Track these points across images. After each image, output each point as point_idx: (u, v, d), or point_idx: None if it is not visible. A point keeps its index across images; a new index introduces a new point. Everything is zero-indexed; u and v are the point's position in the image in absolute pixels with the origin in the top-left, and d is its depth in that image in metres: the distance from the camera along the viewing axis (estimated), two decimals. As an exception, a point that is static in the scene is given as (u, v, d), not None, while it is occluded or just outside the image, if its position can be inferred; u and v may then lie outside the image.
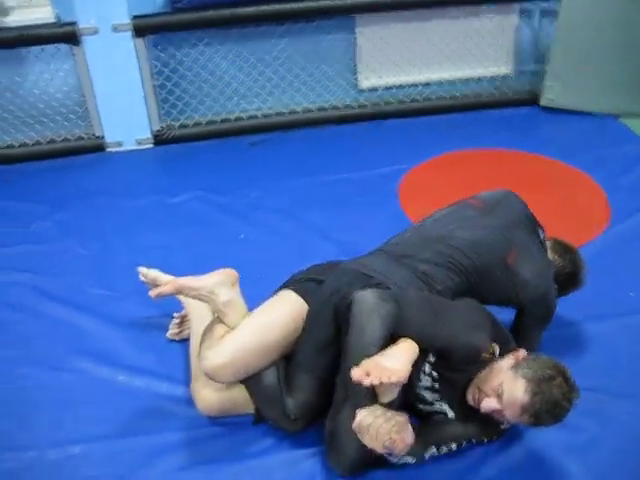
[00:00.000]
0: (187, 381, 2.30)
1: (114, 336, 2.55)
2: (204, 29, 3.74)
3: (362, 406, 1.76)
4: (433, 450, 1.97)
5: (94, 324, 2.61)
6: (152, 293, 2.17)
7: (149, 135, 3.92)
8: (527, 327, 2.25)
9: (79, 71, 3.69)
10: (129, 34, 3.60)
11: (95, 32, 3.56)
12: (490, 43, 4.20)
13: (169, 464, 2.04)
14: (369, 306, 1.86)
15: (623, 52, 3.97)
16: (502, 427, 2.05)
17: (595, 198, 3.33)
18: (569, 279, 2.35)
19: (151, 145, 3.95)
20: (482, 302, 2.13)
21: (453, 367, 1.95)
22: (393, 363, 1.75)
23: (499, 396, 1.84)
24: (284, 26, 3.85)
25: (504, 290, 2.18)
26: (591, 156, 3.71)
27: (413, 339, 1.88)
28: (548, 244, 2.36)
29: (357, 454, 1.90)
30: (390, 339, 1.87)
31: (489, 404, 1.86)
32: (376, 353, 1.80)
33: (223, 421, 2.16)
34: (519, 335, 2.19)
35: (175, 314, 2.53)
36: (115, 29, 3.57)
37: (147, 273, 2.46)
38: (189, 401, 2.23)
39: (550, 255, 2.34)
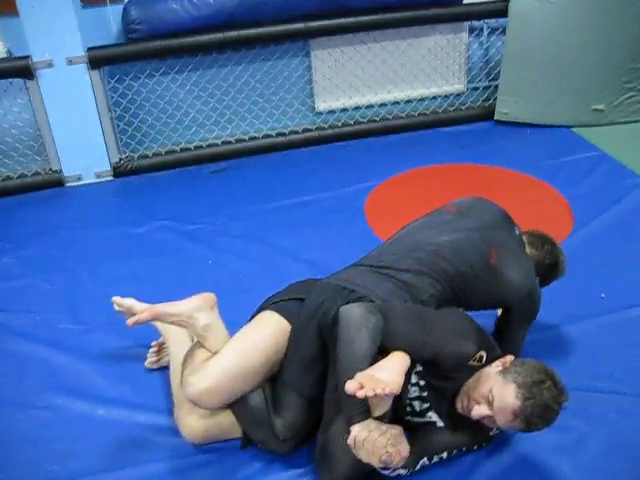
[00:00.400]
0: (168, 410, 2.26)
1: (87, 370, 2.49)
2: (160, 59, 3.73)
3: (356, 421, 1.73)
4: (425, 460, 1.96)
5: (65, 359, 2.54)
6: (129, 321, 2.12)
7: (108, 167, 3.88)
8: (513, 325, 2.26)
9: (34, 105, 3.64)
10: (84, 66, 3.57)
11: (49, 65, 3.52)
12: (442, 62, 4.30)
13: (157, 495, 1.99)
14: (356, 320, 1.84)
15: (571, 64, 4.08)
16: (491, 434, 2.05)
17: (557, 205, 3.40)
18: (550, 270, 2.36)
19: (111, 177, 3.90)
20: (466, 308, 2.15)
21: (441, 375, 1.95)
22: (386, 375, 1.74)
23: (489, 402, 1.84)
24: (240, 53, 3.87)
25: (489, 292, 2.19)
26: (549, 166, 3.80)
27: (401, 350, 1.88)
28: (525, 238, 2.38)
29: (350, 470, 1.88)
30: (378, 352, 1.86)
31: (480, 411, 1.86)
32: (366, 366, 1.78)
33: (209, 448, 2.11)
34: (504, 334, 2.22)
35: (153, 342, 2.48)
36: (70, 62, 3.54)
37: (122, 302, 2.40)
38: (172, 430, 2.18)
39: (528, 249, 2.35)
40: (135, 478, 2.04)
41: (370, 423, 1.74)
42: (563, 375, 1.88)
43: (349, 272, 2.19)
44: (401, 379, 1.77)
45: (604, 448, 2.07)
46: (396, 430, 1.75)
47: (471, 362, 1.94)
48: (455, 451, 2.01)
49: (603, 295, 2.73)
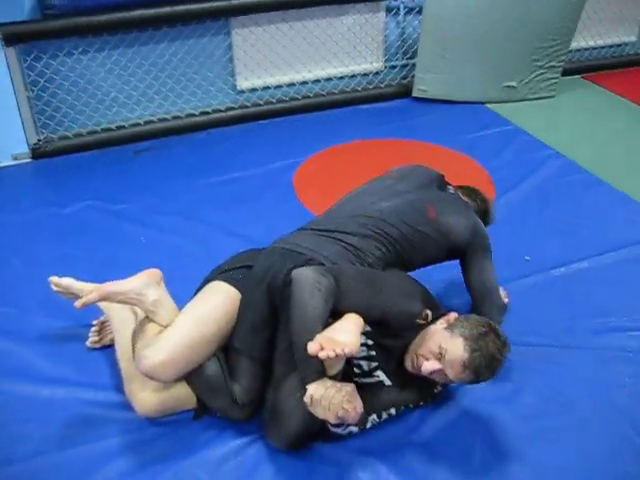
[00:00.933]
0: (115, 386, 2.25)
1: (27, 352, 2.43)
2: (79, 36, 3.63)
3: (311, 379, 1.79)
4: (374, 417, 2.04)
5: (2, 343, 2.46)
6: (78, 304, 2.10)
7: (26, 149, 3.75)
8: (476, 263, 2.35)
9: (-55, 86, 3.49)
10: (-2, 43, 3.45)
11: (-40, 41, 3.38)
12: (361, 40, 4.37)
13: (113, 470, 1.98)
14: (309, 283, 1.89)
15: (485, 43, 4.24)
16: (436, 391, 2.16)
17: (478, 176, 3.55)
18: (483, 217, 2.51)
19: (29, 160, 3.78)
20: (412, 268, 2.24)
21: (389, 335, 2.02)
22: (344, 336, 1.80)
23: (439, 357, 1.93)
24: (161, 30, 3.82)
25: (436, 246, 2.28)
26: (467, 139, 3.96)
27: (351, 311, 1.94)
28: (459, 192, 2.57)
29: (299, 428, 1.94)
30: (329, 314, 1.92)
31: (430, 366, 1.94)
32: (320, 328, 1.84)
33: (162, 421, 2.12)
34: (475, 275, 2.33)
35: (94, 321, 2.45)
36: (-18, 39, 3.41)
37: (59, 282, 2.36)
38: (122, 405, 2.17)
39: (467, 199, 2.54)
40: (90, 455, 2.03)
41: (326, 381, 1.79)
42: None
43: (295, 236, 2.23)
44: (358, 340, 1.83)
45: (538, 396, 2.23)
46: (350, 387, 1.82)
47: (418, 320, 2.02)
48: (402, 408, 2.10)
49: (527, 258, 2.89)
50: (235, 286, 2.13)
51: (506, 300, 2.48)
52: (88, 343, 2.43)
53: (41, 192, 3.53)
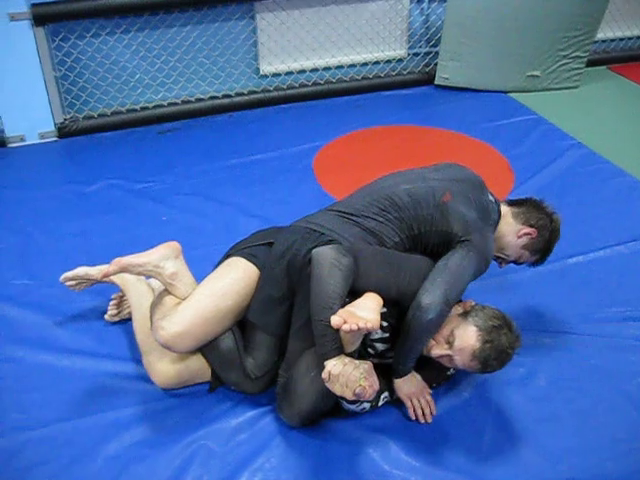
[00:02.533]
0: (133, 358, 2.31)
1: (47, 323, 2.49)
2: (106, 17, 3.68)
3: (330, 356, 1.81)
4: (386, 394, 2.08)
5: (24, 313, 2.53)
6: (98, 276, 2.15)
7: (53, 128, 3.81)
8: (454, 254, 2.08)
9: (-26, 63, 3.55)
10: (28, 23, 3.49)
11: (-9, 21, 3.44)
12: (385, 27, 4.37)
13: (128, 439, 2.04)
14: (329, 261, 1.91)
15: (509, 31, 4.22)
16: (448, 373, 2.18)
17: (498, 164, 3.55)
18: (549, 240, 2.32)
19: (55, 138, 3.84)
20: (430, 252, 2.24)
21: (404, 315, 2.03)
22: (365, 313, 1.83)
23: (449, 343, 1.95)
24: (186, 13, 3.85)
25: (441, 231, 2.13)
26: (488, 128, 3.96)
27: (370, 290, 1.97)
28: (509, 209, 2.31)
29: (312, 406, 1.98)
30: (349, 292, 1.95)
31: (439, 350, 1.97)
32: (339, 305, 1.86)
33: (177, 392, 2.18)
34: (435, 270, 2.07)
35: (113, 295, 2.50)
36: (12, 18, 3.45)
37: (74, 273, 2.40)
38: (139, 377, 2.23)
39: (512, 220, 2.28)
40: (107, 423, 2.09)
41: (344, 358, 1.82)
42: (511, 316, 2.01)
43: (318, 217, 2.24)
44: (379, 316, 1.85)
45: (551, 380, 2.25)
46: (367, 365, 1.84)
47: None
48: (415, 387, 2.13)
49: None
50: (254, 262, 2.16)
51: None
52: (107, 317, 2.48)
53: (65, 170, 3.58)
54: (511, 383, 2.23)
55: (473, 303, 2.05)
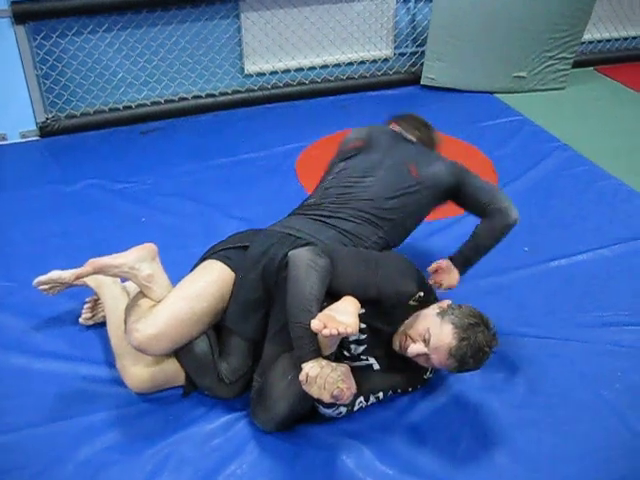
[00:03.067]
0: (107, 362, 2.28)
1: (22, 326, 2.46)
2: (88, 15, 3.64)
3: (308, 359, 1.79)
4: (361, 400, 2.05)
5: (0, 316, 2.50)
6: (71, 277, 2.12)
7: (34, 127, 3.77)
8: (472, 187, 2.40)
9: (-45, 61, 3.51)
10: (8, 20, 3.45)
11: (-29, 19, 3.40)
12: (370, 27, 4.35)
13: (102, 443, 2.01)
14: (305, 263, 1.90)
15: (496, 32, 4.21)
16: (425, 377, 2.16)
17: (482, 165, 3.53)
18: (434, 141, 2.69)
19: (37, 137, 3.80)
20: (414, 228, 2.37)
21: (381, 316, 2.02)
22: (344, 317, 1.81)
23: (426, 341, 1.93)
24: (170, 12, 3.82)
25: (431, 199, 2.36)
26: (473, 129, 3.94)
27: (348, 291, 1.95)
28: (412, 136, 2.62)
29: (288, 411, 1.96)
30: (326, 294, 1.93)
31: (416, 348, 1.95)
32: (317, 307, 1.85)
33: (152, 397, 2.15)
34: (480, 194, 2.38)
35: (87, 299, 2.47)
36: (-7, 16, 3.42)
37: (48, 277, 2.35)
38: (113, 381, 2.21)
39: (412, 135, 2.61)
40: (80, 428, 2.06)
41: (321, 361, 1.80)
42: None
43: (292, 220, 2.24)
44: (357, 320, 1.84)
45: (530, 387, 2.23)
46: (345, 367, 1.82)
47: (411, 302, 2.03)
48: (390, 392, 2.11)
49: (526, 249, 2.88)
50: (229, 265, 2.14)
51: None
52: (81, 320, 2.45)
53: (47, 170, 3.55)
54: (490, 389, 2.20)
55: (450, 302, 2.04)
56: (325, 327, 1.73)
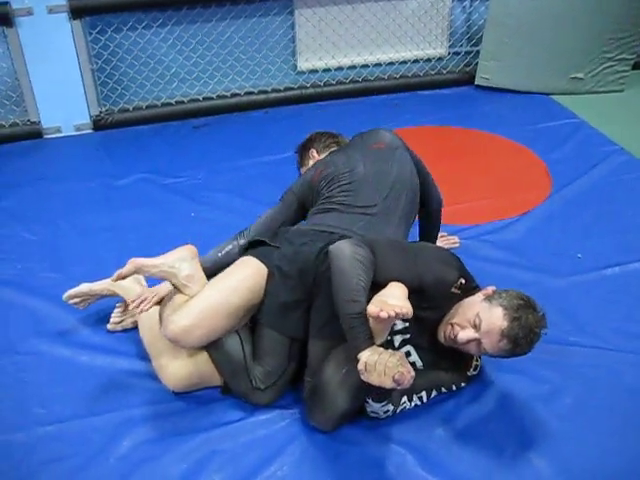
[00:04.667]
0: (148, 357, 2.26)
1: (70, 317, 2.49)
2: (143, 11, 3.69)
3: (363, 347, 1.78)
4: (404, 400, 2.02)
5: (48, 307, 2.54)
6: (113, 278, 2.14)
7: (88, 120, 3.84)
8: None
9: (13, 54, 3.58)
10: (65, 15, 3.52)
11: (29, 13, 3.47)
12: (425, 25, 4.30)
13: (141, 438, 2.02)
14: (348, 254, 1.89)
15: (553, 32, 4.11)
16: (469, 374, 2.13)
17: (536, 169, 3.46)
18: None
19: (90, 130, 3.87)
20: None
21: (423, 305, 1.99)
22: (395, 300, 1.80)
23: (476, 326, 1.91)
24: (224, 8, 3.83)
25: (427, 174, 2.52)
26: (528, 131, 3.85)
27: (389, 280, 1.93)
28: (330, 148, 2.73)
29: (348, 404, 1.94)
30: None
31: (466, 334, 1.92)
32: (365, 298, 1.83)
33: (190, 395, 2.15)
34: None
35: (118, 304, 2.46)
36: (50, 10, 3.49)
37: (77, 291, 2.38)
38: (153, 376, 2.20)
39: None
40: (121, 421, 2.08)
41: (377, 348, 1.79)
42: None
43: (321, 217, 2.27)
44: (409, 303, 1.82)
45: (577, 397, 2.16)
46: (400, 353, 1.80)
47: (453, 289, 2.01)
48: (434, 392, 2.08)
49: (580, 255, 2.80)
50: (263, 262, 2.14)
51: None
52: (109, 326, 2.44)
53: (98, 163, 3.60)
54: (537, 398, 2.14)
55: (494, 288, 2.01)
56: (381, 310, 1.72)
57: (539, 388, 2.17)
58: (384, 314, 1.71)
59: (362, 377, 1.76)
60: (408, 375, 1.73)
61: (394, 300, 1.80)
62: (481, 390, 2.16)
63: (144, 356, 2.30)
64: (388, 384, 1.73)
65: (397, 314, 1.73)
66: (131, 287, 2.35)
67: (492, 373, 2.21)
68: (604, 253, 2.82)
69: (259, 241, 2.26)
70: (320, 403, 1.97)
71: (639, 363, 2.29)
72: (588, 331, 2.41)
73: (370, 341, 1.79)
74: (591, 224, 3.01)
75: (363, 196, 2.29)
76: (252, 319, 2.15)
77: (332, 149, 2.67)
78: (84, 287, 2.39)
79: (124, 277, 2.16)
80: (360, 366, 1.75)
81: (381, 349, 1.78)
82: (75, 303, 2.41)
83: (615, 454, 1.97)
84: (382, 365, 1.73)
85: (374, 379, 1.74)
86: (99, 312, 2.51)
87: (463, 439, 2.02)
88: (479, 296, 1.99)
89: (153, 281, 2.30)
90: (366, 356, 1.75)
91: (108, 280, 2.32)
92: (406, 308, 1.76)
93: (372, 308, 1.74)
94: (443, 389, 2.10)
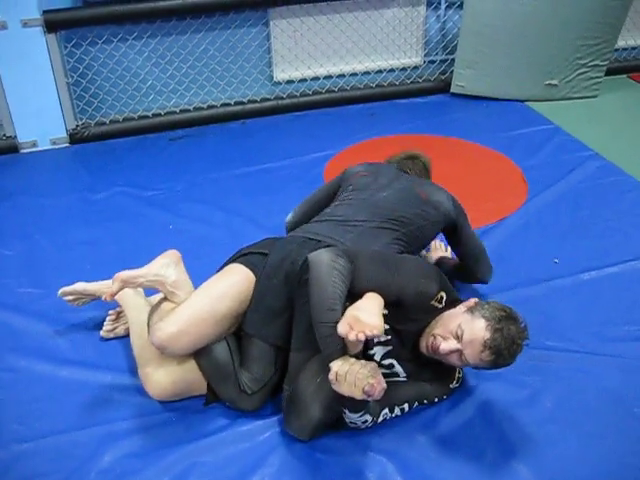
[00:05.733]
0: (131, 370, 2.27)
1: (49, 332, 2.48)
2: (118, 24, 3.69)
3: (335, 357, 1.78)
4: (386, 411, 2.02)
5: (27, 322, 2.52)
6: (105, 297, 2.12)
7: (64, 134, 3.83)
8: (466, 229, 2.50)
9: (-13, 69, 3.56)
10: (40, 29, 3.51)
11: (3, 27, 3.46)
12: (400, 34, 4.34)
13: (123, 451, 2.01)
14: (326, 263, 1.89)
15: (527, 39, 4.16)
16: (451, 386, 2.13)
17: (512, 175, 3.49)
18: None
19: (67, 144, 3.85)
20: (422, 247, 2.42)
21: (404, 318, 2.00)
22: (367, 316, 1.78)
23: (458, 337, 1.91)
24: (199, 20, 3.84)
25: (435, 221, 2.39)
26: (504, 138, 3.89)
27: (368, 292, 1.93)
28: (412, 171, 2.69)
29: (321, 414, 1.94)
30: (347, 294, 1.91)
31: (448, 345, 1.91)
32: (340, 307, 1.83)
33: (173, 406, 2.14)
34: (469, 240, 2.52)
35: (110, 311, 2.46)
36: (25, 24, 3.47)
37: (72, 288, 2.41)
38: (137, 389, 2.20)
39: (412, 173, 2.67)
40: (102, 436, 2.06)
41: (349, 358, 1.78)
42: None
43: (311, 226, 2.27)
44: (382, 320, 1.81)
45: (557, 402, 2.17)
46: (373, 364, 1.80)
47: (433, 302, 2.01)
48: (416, 403, 2.08)
49: (557, 260, 2.82)
50: (251, 269, 2.14)
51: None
52: (102, 332, 2.45)
53: (76, 177, 3.59)
54: (516, 403, 2.15)
55: (477, 300, 2.02)
56: (351, 330, 1.71)
57: (519, 393, 2.19)
58: (352, 336, 1.70)
59: (333, 387, 1.76)
60: (379, 386, 1.74)
61: (366, 315, 1.79)
62: (461, 397, 2.17)
63: (124, 369, 2.30)
64: (358, 395, 1.73)
65: (367, 337, 1.71)
66: (127, 293, 2.32)
67: (472, 379, 2.22)
68: (581, 258, 2.85)
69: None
70: (296, 412, 1.97)
71: (617, 366, 2.31)
72: (566, 335, 2.43)
73: (342, 351, 1.78)
74: (567, 229, 3.04)
75: (363, 214, 2.31)
76: (240, 325, 2.15)
77: (406, 170, 2.69)
78: (79, 286, 2.40)
79: (114, 294, 2.15)
80: (331, 376, 1.76)
81: (353, 359, 1.78)
82: (69, 300, 2.42)
83: (595, 457, 1.99)
84: (352, 376, 1.73)
85: (344, 389, 1.75)
86: (78, 327, 2.50)
87: (444, 446, 2.02)
88: (461, 307, 1.99)
89: (149, 291, 2.31)
90: (337, 366, 1.75)
91: (104, 282, 2.33)
92: (377, 329, 1.74)
93: (342, 327, 1.73)
94: (425, 401, 2.10)
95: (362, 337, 1.70)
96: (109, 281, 2.23)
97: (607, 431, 2.07)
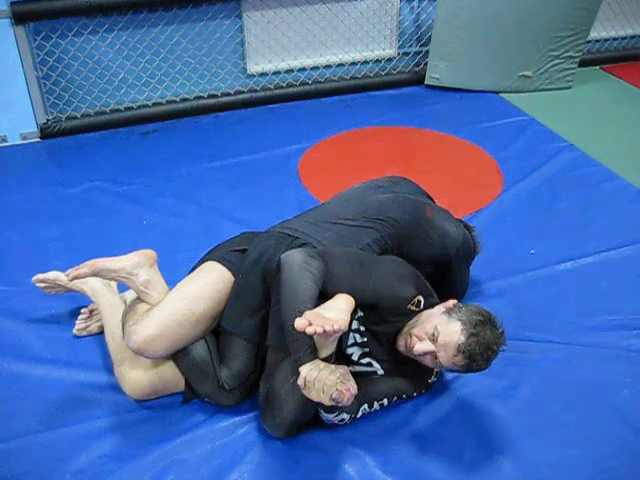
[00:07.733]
0: (107, 368, 2.24)
1: (21, 330, 2.43)
2: (88, 16, 3.61)
3: (304, 361, 1.75)
4: (365, 407, 2.01)
5: (-2, 320, 2.48)
6: (69, 277, 2.09)
7: (35, 129, 3.75)
8: (460, 272, 2.37)
9: (-47, 62, 3.48)
10: (8, 21, 3.43)
11: (-30, 19, 3.38)
12: (374, 26, 4.31)
13: (99, 451, 1.98)
14: (298, 264, 1.87)
15: (501, 31, 4.16)
16: (429, 381, 2.12)
17: (487, 166, 3.50)
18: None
19: (38, 139, 3.78)
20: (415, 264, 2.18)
21: (380, 320, 1.99)
22: (333, 313, 1.77)
23: (433, 339, 1.89)
24: (171, 12, 3.78)
25: (431, 243, 2.25)
26: (479, 129, 3.90)
27: (340, 292, 1.91)
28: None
29: (295, 414, 1.92)
30: (320, 296, 1.89)
31: (422, 346, 1.90)
32: (311, 309, 1.80)
33: (151, 403, 2.12)
34: (456, 284, 2.36)
35: (83, 309, 2.43)
36: (-8, 16, 3.40)
37: (45, 276, 2.38)
38: (112, 387, 2.17)
39: None
40: (79, 435, 2.03)
41: (319, 363, 1.75)
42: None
43: (292, 222, 2.22)
44: (347, 317, 1.80)
45: (535, 393, 2.18)
46: (344, 369, 1.78)
47: (409, 306, 1.99)
48: (395, 398, 2.07)
49: (533, 251, 2.83)
50: (228, 267, 2.12)
51: None
52: (74, 331, 2.41)
53: (47, 172, 3.52)
54: (494, 395, 2.16)
55: (456, 302, 2.00)
56: (310, 324, 1.68)
57: (497, 384, 2.19)
58: (310, 330, 1.66)
59: (302, 392, 1.74)
60: (347, 393, 1.71)
61: (332, 313, 1.77)
62: (440, 390, 2.17)
63: (100, 367, 2.27)
64: (326, 402, 1.71)
65: (326, 331, 1.67)
66: (101, 291, 2.29)
67: (450, 372, 2.21)
68: (557, 248, 2.86)
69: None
70: (271, 410, 1.95)
71: (594, 356, 2.33)
72: (544, 326, 2.44)
73: (312, 355, 1.76)
74: (543, 220, 3.06)
75: (349, 213, 2.23)
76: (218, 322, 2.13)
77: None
78: (51, 274, 2.38)
79: (80, 278, 2.11)
80: (299, 381, 1.73)
81: (323, 364, 1.75)
82: (41, 287, 2.40)
83: (574, 447, 2.00)
84: (321, 382, 1.70)
85: (313, 396, 1.72)
86: (51, 324, 2.46)
87: (423, 440, 2.02)
88: (440, 308, 1.97)
89: (124, 286, 2.28)
90: (306, 371, 1.73)
91: (89, 262, 2.24)
92: (338, 323, 1.70)
93: (300, 321, 1.69)
94: (404, 396, 2.09)
95: (320, 330, 1.66)
96: (83, 279, 2.21)
97: (585, 421, 2.09)
